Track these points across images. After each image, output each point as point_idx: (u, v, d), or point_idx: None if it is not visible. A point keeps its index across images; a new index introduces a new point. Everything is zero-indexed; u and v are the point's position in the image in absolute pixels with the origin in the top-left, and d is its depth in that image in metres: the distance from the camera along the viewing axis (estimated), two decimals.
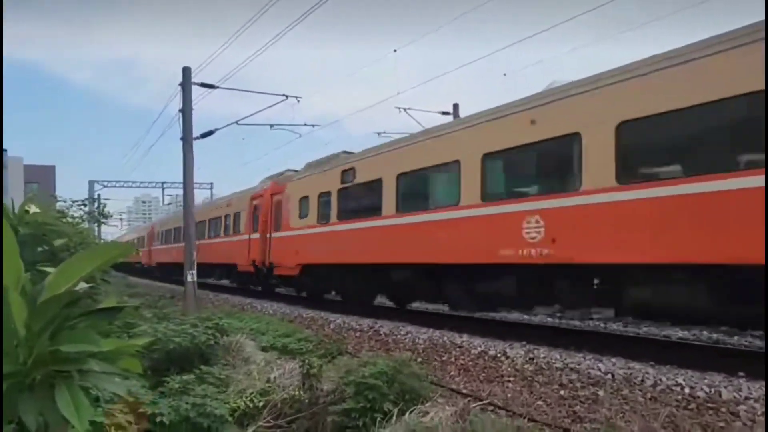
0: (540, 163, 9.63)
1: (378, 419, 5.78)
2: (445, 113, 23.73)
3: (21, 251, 2.10)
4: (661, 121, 7.49)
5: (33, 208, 3.28)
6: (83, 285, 2.18)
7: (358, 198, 14.37)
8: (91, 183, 53.10)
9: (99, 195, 53.12)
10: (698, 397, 6.42)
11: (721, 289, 7.29)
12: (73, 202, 11.85)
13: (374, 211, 13.46)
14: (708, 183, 6.86)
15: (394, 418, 5.89)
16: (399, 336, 11.14)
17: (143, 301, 16.85)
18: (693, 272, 7.41)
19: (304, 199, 16.93)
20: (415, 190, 12.67)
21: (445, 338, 10.43)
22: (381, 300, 16.78)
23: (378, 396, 6.02)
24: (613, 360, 8.07)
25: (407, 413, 5.74)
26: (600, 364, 7.85)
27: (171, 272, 33.21)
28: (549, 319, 14.00)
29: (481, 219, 10.28)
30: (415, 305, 16.40)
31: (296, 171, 19.48)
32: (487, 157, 10.30)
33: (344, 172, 14.83)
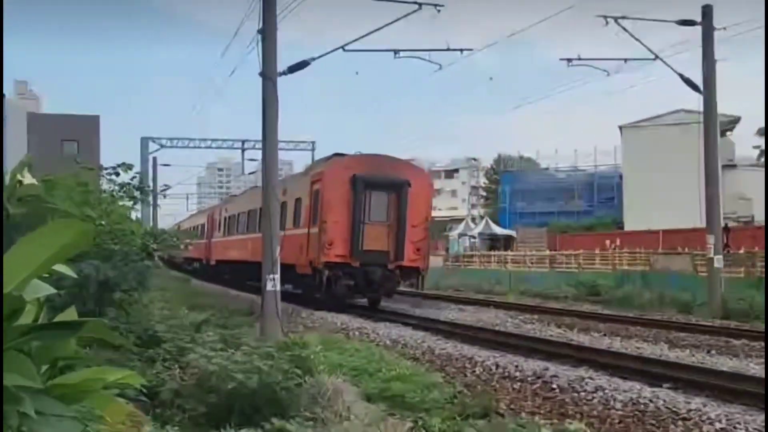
0: None
1: None
2: (686, 22, 17.25)
3: (14, 238, 1.37)
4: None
5: (27, 178, 2.18)
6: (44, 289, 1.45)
7: None
8: (144, 140, 37.10)
9: (155, 158, 38.26)
10: None
11: None
12: (103, 170, 8.86)
13: None
14: None
15: None
16: (582, 393, 7.55)
17: (208, 317, 11.16)
18: None
19: None
20: None
21: (662, 402, 6.56)
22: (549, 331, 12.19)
23: None
24: None
25: None
26: None
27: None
28: None
29: None
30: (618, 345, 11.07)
31: None
32: None
33: None
